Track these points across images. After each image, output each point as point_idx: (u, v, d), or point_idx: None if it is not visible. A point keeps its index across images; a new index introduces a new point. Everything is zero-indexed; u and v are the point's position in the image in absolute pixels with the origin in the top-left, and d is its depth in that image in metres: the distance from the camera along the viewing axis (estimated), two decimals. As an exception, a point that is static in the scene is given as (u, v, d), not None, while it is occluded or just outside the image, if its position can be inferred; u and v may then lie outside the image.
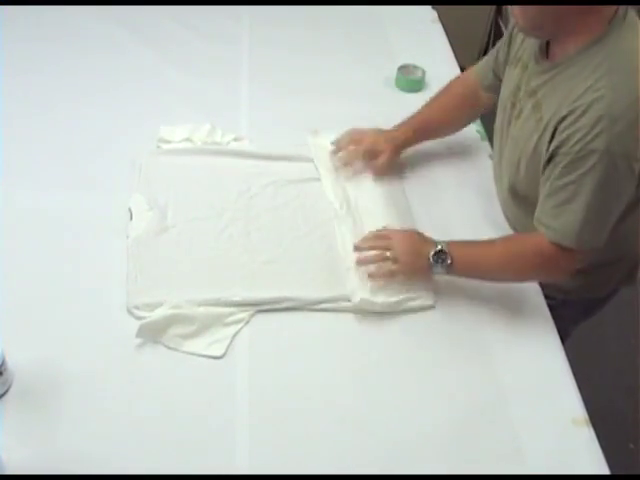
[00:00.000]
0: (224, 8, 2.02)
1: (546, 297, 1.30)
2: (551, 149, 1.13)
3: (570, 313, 1.43)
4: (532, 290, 1.30)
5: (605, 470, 1.05)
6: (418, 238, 1.23)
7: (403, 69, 1.80)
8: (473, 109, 1.52)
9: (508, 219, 1.40)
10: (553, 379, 1.17)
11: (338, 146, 1.48)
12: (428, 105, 1.52)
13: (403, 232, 1.27)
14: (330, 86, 1.78)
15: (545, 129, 1.15)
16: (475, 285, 1.30)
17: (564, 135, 1.09)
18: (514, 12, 1.14)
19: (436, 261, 1.18)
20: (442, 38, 2.05)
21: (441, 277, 1.29)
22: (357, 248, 1.25)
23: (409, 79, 1.79)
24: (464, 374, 1.17)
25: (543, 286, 1.30)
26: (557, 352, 1.21)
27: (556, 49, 1.16)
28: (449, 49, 1.99)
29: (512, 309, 1.27)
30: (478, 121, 1.69)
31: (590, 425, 1.10)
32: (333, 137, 1.54)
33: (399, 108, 1.72)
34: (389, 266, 1.21)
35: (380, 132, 1.48)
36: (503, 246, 1.22)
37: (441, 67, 1.86)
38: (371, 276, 1.22)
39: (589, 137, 1.05)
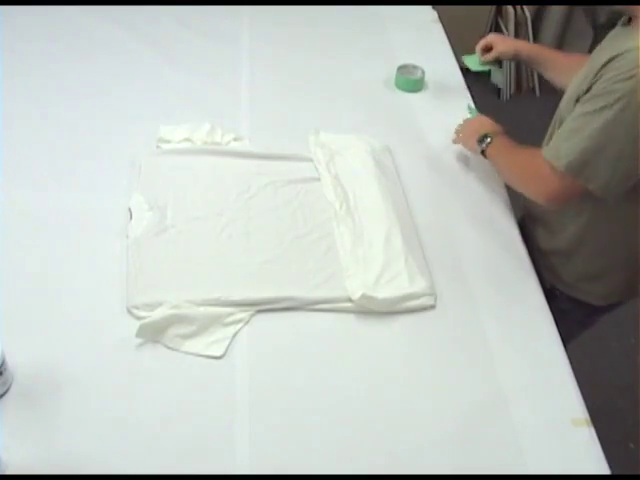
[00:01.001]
0: (224, 8, 2.02)
1: (550, 290, 1.31)
2: (584, 89, 1.15)
3: (576, 313, 1.43)
4: (533, 290, 1.31)
5: (605, 470, 1.05)
6: (480, 124, 1.49)
7: (403, 69, 1.80)
8: None
9: None
10: (553, 379, 1.17)
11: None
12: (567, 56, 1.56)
13: (480, 117, 1.54)
14: (330, 86, 1.78)
15: (584, 78, 1.16)
16: (475, 285, 1.30)
17: (598, 76, 1.12)
18: None
19: (480, 141, 1.42)
20: (442, 38, 2.05)
21: (441, 277, 1.30)
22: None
23: (409, 79, 1.79)
24: (464, 374, 1.17)
25: (547, 279, 1.31)
26: (557, 352, 1.21)
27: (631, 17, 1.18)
28: (449, 49, 1.99)
29: (512, 309, 1.27)
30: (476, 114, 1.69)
31: (590, 425, 1.10)
32: (333, 137, 1.54)
33: (399, 108, 1.73)
34: (455, 137, 1.55)
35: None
36: (519, 152, 1.33)
37: (441, 67, 1.86)
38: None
39: (618, 78, 1.07)
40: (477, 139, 1.43)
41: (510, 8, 3.23)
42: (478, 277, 1.32)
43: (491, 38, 1.65)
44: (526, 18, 3.25)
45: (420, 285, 1.26)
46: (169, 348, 1.15)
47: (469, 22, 2.95)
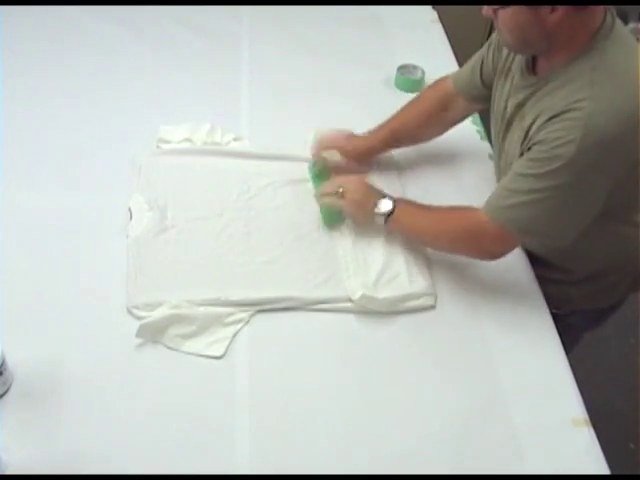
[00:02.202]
0: (224, 8, 2.02)
1: (554, 308, 1.29)
2: (527, 144, 1.14)
3: (578, 322, 1.43)
4: (533, 290, 1.31)
5: (605, 470, 1.05)
6: (370, 185, 1.32)
7: (403, 69, 1.80)
8: (450, 117, 1.48)
9: None
10: (553, 379, 1.17)
11: (313, 153, 1.48)
12: (403, 110, 1.49)
13: (361, 179, 1.35)
14: (330, 86, 1.78)
15: (527, 135, 1.15)
16: (475, 285, 1.30)
17: (538, 137, 1.10)
18: (500, 31, 1.13)
19: (377, 206, 1.26)
20: (442, 38, 2.05)
21: (441, 277, 1.30)
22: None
23: (409, 79, 1.79)
24: (464, 374, 1.17)
25: (549, 298, 1.29)
26: (557, 352, 1.21)
27: (543, 63, 1.16)
28: (449, 49, 1.99)
29: (512, 309, 1.27)
30: (478, 121, 1.70)
31: (590, 425, 1.10)
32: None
33: (399, 108, 1.72)
34: (337, 198, 1.31)
35: (349, 139, 1.47)
36: (445, 214, 1.25)
37: (441, 67, 1.85)
38: (320, 198, 1.36)
39: (559, 142, 1.06)
40: (371, 207, 1.27)
41: (510, 8, 3.22)
42: (478, 277, 1.32)
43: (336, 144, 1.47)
44: (526, 18, 3.25)
45: (420, 285, 1.26)
46: (169, 348, 1.15)
47: (469, 22, 2.94)
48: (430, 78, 1.80)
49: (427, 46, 1.98)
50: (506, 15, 1.08)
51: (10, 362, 1.06)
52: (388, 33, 2.03)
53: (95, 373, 1.10)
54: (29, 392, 1.07)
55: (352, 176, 1.36)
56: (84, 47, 1.82)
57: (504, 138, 1.27)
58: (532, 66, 1.19)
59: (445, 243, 1.28)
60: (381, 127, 1.48)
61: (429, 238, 1.29)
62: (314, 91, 1.75)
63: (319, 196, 1.37)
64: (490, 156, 1.60)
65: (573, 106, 1.05)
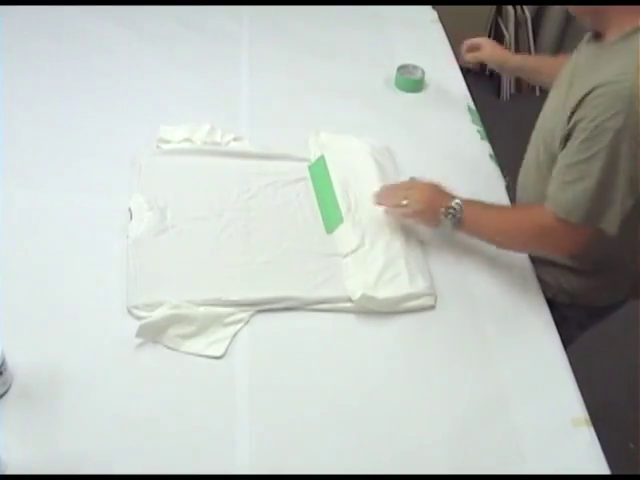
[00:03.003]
0: (224, 8, 2.02)
1: (551, 295, 1.30)
2: (571, 123, 1.14)
3: (574, 316, 1.43)
4: (533, 290, 1.31)
5: (605, 470, 1.05)
6: (436, 190, 1.29)
7: (403, 69, 1.80)
8: None
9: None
10: (553, 379, 1.17)
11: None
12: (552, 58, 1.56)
13: (424, 183, 1.32)
14: (330, 86, 1.78)
15: (566, 102, 1.16)
16: (475, 285, 1.30)
17: (584, 110, 1.11)
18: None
19: (446, 215, 1.24)
20: (442, 38, 2.05)
21: (441, 277, 1.30)
22: (377, 197, 1.33)
23: (409, 79, 1.79)
24: (464, 374, 1.17)
25: (547, 283, 1.30)
26: (557, 352, 1.21)
27: (604, 35, 1.18)
28: (449, 49, 1.99)
29: (512, 309, 1.27)
30: (478, 121, 1.70)
31: (590, 425, 1.10)
32: (333, 137, 1.54)
33: (399, 108, 1.73)
34: (403, 211, 1.29)
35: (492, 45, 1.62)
36: (512, 214, 1.27)
37: (441, 67, 1.86)
38: (387, 212, 1.33)
39: (607, 115, 1.07)
40: (439, 216, 1.25)
41: (510, 8, 3.23)
42: (478, 277, 1.32)
43: (483, 41, 1.63)
44: (526, 18, 3.25)
45: (420, 285, 1.26)
46: (169, 348, 1.14)
47: (469, 22, 2.95)
48: (430, 78, 1.81)
49: (427, 46, 1.98)
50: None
51: (10, 362, 1.06)
52: (388, 33, 2.03)
53: (95, 373, 1.10)
54: (29, 392, 1.07)
55: (414, 183, 1.33)
56: (84, 47, 1.82)
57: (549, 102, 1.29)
58: (597, 33, 1.21)
59: (518, 244, 1.28)
60: (529, 56, 1.63)
61: (501, 239, 1.27)
62: (314, 91, 1.75)
63: (381, 206, 1.32)
64: (490, 156, 1.60)
65: (615, 79, 1.07)
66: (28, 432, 1.02)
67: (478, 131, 1.66)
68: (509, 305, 1.28)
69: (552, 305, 1.30)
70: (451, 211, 1.23)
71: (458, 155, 1.58)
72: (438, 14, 2.15)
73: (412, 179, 1.37)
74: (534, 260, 1.37)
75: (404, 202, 1.28)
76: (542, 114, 1.31)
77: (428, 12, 2.16)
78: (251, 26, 1.99)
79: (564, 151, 1.17)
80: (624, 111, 1.06)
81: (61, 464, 0.99)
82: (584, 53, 1.23)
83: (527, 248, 1.30)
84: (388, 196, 1.32)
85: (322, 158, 1.48)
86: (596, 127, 1.08)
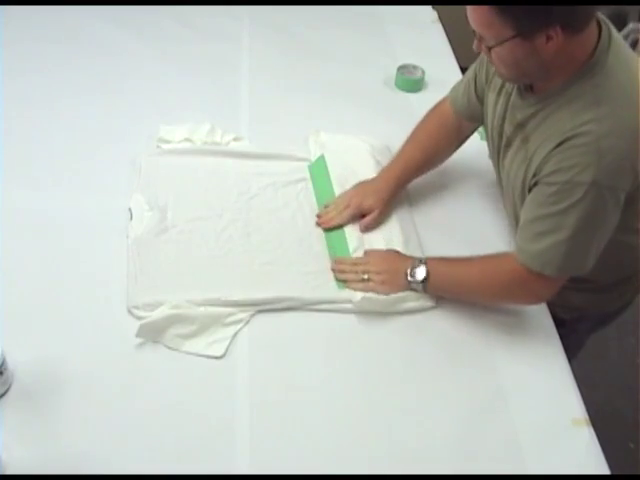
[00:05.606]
0: (224, 8, 2.02)
1: (560, 314, 1.28)
2: (537, 177, 1.11)
3: (584, 327, 1.43)
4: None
5: (605, 470, 1.05)
6: (395, 257, 1.26)
7: (403, 69, 1.80)
8: (457, 140, 1.44)
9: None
10: (553, 379, 1.17)
11: (326, 217, 1.38)
12: (408, 144, 1.42)
13: (380, 253, 1.28)
14: (330, 86, 1.78)
15: (531, 160, 1.13)
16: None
17: (551, 166, 1.07)
18: (496, 66, 1.11)
19: (412, 275, 1.20)
20: (442, 38, 2.05)
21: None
22: (337, 273, 1.27)
23: (409, 79, 1.79)
24: (464, 374, 1.17)
25: (555, 305, 1.27)
26: (557, 352, 1.21)
27: (541, 84, 1.13)
28: (449, 49, 1.99)
29: (512, 309, 1.27)
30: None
31: (590, 425, 1.10)
32: (333, 137, 1.54)
33: (399, 108, 1.73)
34: (365, 285, 1.23)
35: (362, 189, 1.38)
36: (480, 268, 1.20)
37: (441, 67, 1.86)
38: (349, 287, 1.25)
39: (577, 169, 1.04)
40: (405, 281, 1.21)
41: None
42: (478, 277, 1.32)
43: (358, 209, 1.36)
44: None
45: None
46: (169, 348, 1.15)
47: (469, 22, 2.95)
48: (430, 78, 1.81)
49: (427, 46, 1.98)
50: (502, 51, 1.05)
51: (10, 362, 1.06)
52: (388, 33, 2.03)
53: (95, 373, 1.10)
54: (29, 392, 1.07)
55: (370, 255, 1.28)
56: (84, 47, 1.82)
57: (504, 156, 1.24)
58: (530, 86, 1.15)
59: (489, 298, 1.24)
60: (392, 166, 1.41)
61: (472, 296, 1.24)
62: (314, 91, 1.75)
63: (341, 278, 1.26)
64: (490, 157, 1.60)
65: (581, 130, 1.03)
66: (28, 432, 1.02)
67: (478, 131, 1.66)
68: (509, 305, 1.27)
69: (564, 323, 1.28)
70: (417, 272, 1.20)
71: (458, 155, 1.58)
72: (438, 14, 2.15)
73: (366, 253, 1.29)
74: None
75: (365, 277, 1.24)
76: (505, 174, 1.24)
77: (428, 12, 2.16)
78: (251, 26, 1.99)
79: (531, 201, 1.12)
80: (594, 164, 1.02)
81: (61, 464, 0.99)
82: (517, 106, 1.16)
83: (497, 300, 1.25)
84: (346, 273, 1.27)
85: (322, 158, 1.48)
86: (566, 182, 1.05)
